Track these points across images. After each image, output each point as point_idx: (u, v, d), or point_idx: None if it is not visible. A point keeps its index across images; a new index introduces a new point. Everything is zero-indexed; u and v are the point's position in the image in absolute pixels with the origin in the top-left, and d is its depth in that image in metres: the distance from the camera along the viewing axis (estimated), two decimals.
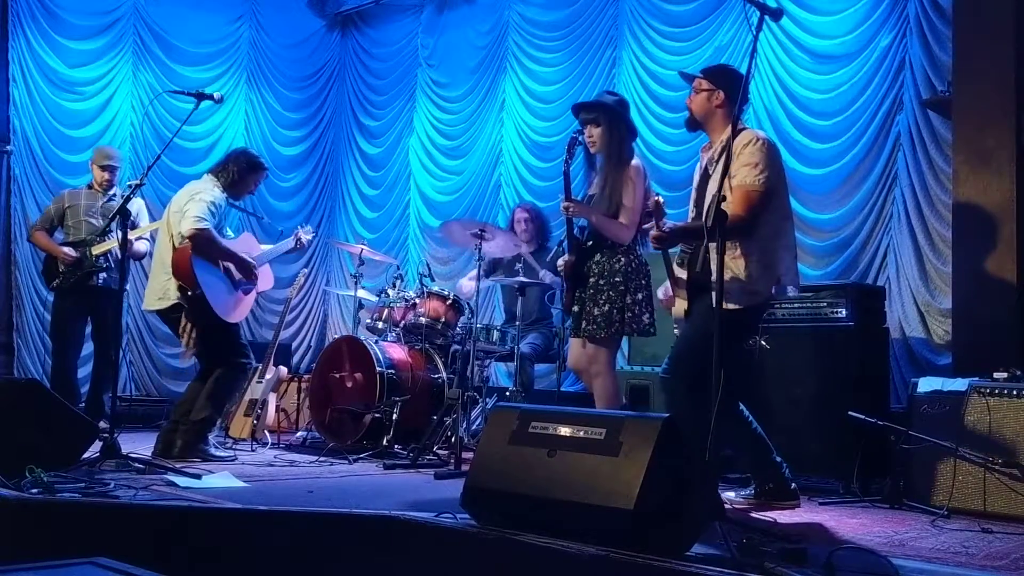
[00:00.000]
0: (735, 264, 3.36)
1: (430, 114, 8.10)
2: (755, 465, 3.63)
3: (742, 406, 3.57)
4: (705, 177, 3.61)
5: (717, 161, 3.52)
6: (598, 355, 4.14)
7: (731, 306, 3.25)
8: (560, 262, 4.42)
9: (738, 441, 3.65)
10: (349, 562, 2.79)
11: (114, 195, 5.80)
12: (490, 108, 7.62)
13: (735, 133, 3.49)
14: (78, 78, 7.42)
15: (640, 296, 4.13)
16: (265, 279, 4.98)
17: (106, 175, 5.77)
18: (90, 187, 5.84)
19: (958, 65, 4.76)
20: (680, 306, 3.63)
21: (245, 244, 4.92)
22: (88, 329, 5.80)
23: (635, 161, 4.21)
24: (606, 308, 4.08)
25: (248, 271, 4.76)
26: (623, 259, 4.14)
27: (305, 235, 5.22)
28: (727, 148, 3.35)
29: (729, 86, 3.59)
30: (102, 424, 5.06)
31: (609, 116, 4.16)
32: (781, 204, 3.49)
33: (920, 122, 5.26)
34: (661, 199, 3.42)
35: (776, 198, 3.43)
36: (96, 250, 5.57)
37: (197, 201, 4.53)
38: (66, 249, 5.56)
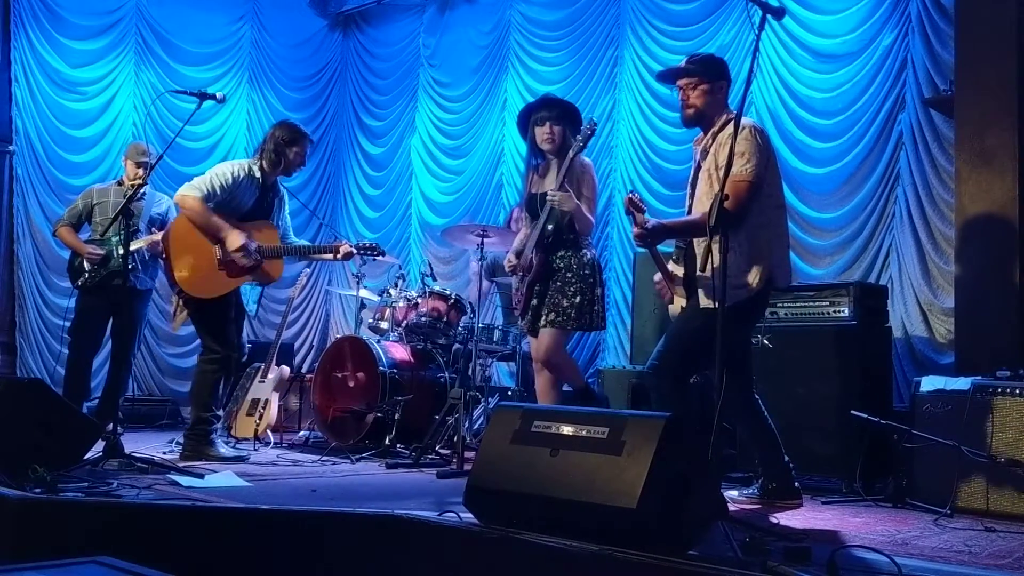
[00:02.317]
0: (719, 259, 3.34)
1: (432, 114, 8.10)
2: (763, 461, 3.63)
3: (758, 400, 3.58)
4: (698, 170, 3.60)
5: (707, 152, 3.52)
6: (557, 345, 4.14)
7: (713, 304, 3.23)
8: (512, 260, 4.33)
9: (750, 433, 3.66)
10: (352, 561, 2.79)
11: (144, 193, 5.73)
12: (492, 108, 7.62)
13: (724, 123, 3.49)
14: (80, 78, 7.42)
15: (601, 291, 4.23)
16: (271, 271, 4.75)
17: (140, 171, 5.67)
18: (120, 183, 5.68)
19: (960, 64, 4.76)
20: (678, 304, 3.62)
21: (256, 232, 4.65)
22: (107, 330, 5.75)
23: (584, 157, 4.28)
24: (577, 300, 4.10)
25: (240, 253, 4.52)
26: (588, 254, 4.20)
27: (345, 249, 4.82)
28: (717, 139, 3.36)
29: (725, 75, 3.58)
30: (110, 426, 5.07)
31: (571, 115, 4.25)
32: (771, 193, 3.44)
33: (922, 121, 5.26)
34: (635, 195, 3.39)
35: (765, 186, 3.38)
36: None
37: (204, 175, 4.58)
38: (91, 248, 5.47)
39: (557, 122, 4.17)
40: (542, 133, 4.19)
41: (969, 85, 4.66)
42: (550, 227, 4.15)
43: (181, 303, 4.66)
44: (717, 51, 6.07)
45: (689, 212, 3.61)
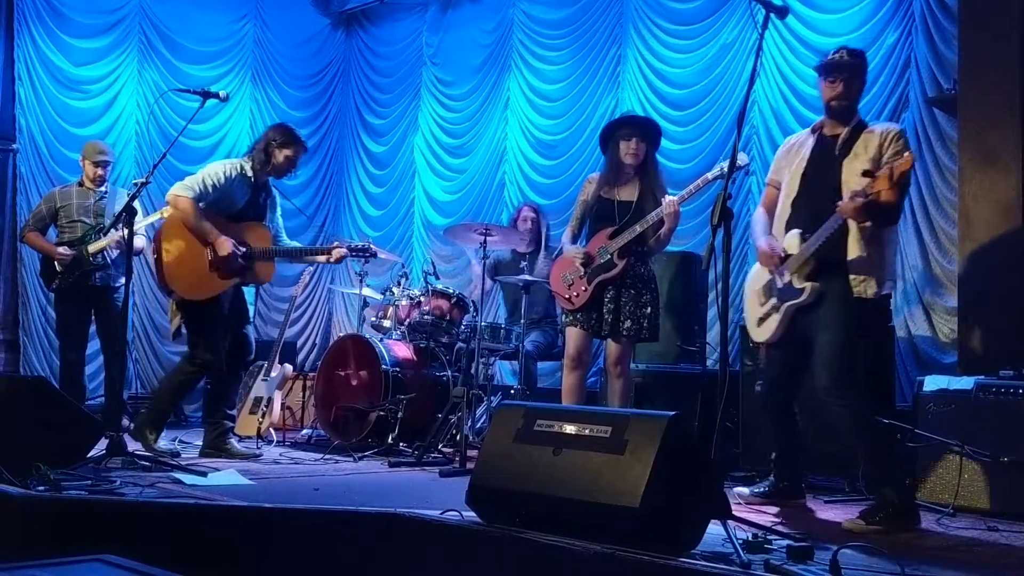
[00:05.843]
0: (874, 251, 3.32)
1: (435, 112, 8.10)
2: (783, 460, 3.65)
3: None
4: (827, 160, 3.46)
5: (846, 143, 3.44)
6: (625, 356, 4.34)
7: (880, 292, 3.30)
8: (580, 252, 4.36)
9: (782, 433, 3.70)
10: (354, 559, 2.79)
11: (106, 192, 5.75)
12: (495, 106, 7.61)
13: (860, 120, 3.51)
14: (83, 76, 7.42)
15: (659, 303, 4.41)
16: (262, 273, 4.70)
17: (99, 171, 5.68)
18: (81, 184, 5.73)
19: (964, 63, 4.75)
20: (788, 277, 3.46)
21: (249, 233, 4.63)
22: (93, 328, 5.79)
23: None
24: (648, 311, 4.29)
25: (225, 259, 4.46)
26: (651, 267, 4.41)
27: (338, 252, 4.84)
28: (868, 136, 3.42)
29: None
30: (125, 421, 5.09)
31: (657, 135, 4.48)
32: None
33: (926, 120, 5.25)
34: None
35: None
36: (92, 247, 5.51)
37: (196, 174, 4.56)
38: (62, 249, 5.48)
39: (643, 139, 4.37)
40: (627, 147, 4.35)
41: (972, 84, 4.65)
42: (640, 233, 4.29)
43: (175, 307, 4.58)
44: (720, 50, 6.10)
45: (793, 205, 3.52)
